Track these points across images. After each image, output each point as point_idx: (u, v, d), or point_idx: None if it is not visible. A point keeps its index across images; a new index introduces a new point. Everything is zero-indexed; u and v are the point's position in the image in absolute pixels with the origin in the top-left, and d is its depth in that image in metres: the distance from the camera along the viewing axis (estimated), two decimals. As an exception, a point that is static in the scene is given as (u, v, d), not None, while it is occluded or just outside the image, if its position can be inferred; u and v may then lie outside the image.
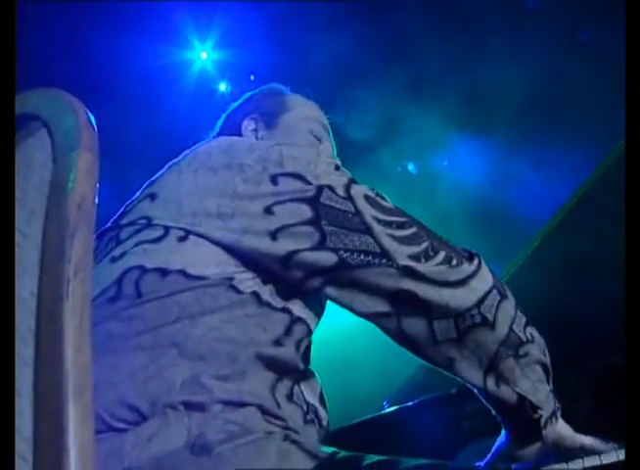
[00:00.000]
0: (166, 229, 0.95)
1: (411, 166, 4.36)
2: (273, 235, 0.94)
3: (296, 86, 1.43)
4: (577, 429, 1.07)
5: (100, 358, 0.85)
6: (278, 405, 0.89)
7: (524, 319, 1.01)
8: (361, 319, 1.00)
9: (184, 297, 0.90)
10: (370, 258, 0.93)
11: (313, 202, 0.95)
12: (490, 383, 0.99)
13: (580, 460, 1.03)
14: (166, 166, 1.05)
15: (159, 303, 0.89)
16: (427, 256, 0.95)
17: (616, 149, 1.98)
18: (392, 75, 4.05)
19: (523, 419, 1.01)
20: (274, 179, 0.96)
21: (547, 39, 3.80)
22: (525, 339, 0.99)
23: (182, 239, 0.94)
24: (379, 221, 0.95)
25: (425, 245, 0.96)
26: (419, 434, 1.47)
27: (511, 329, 0.98)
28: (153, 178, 1.05)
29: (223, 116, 1.38)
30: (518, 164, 4.14)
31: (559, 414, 1.04)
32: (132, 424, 0.82)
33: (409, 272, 0.94)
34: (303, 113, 1.33)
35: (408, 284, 0.94)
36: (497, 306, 0.97)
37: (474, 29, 3.92)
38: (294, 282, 0.96)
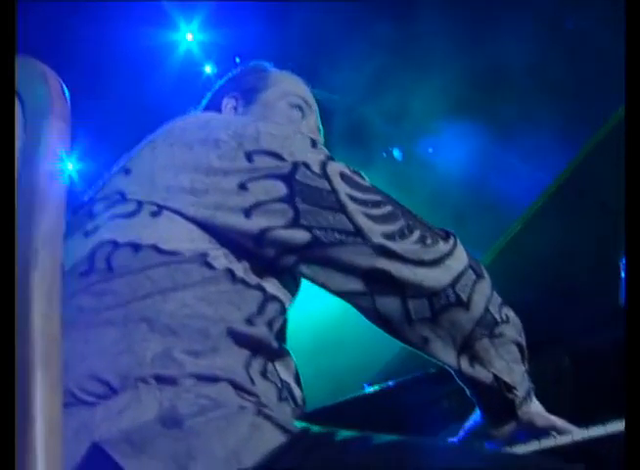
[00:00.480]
0: (140, 204, 0.94)
1: (396, 152, 4.35)
2: (247, 212, 0.93)
3: (281, 65, 1.41)
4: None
5: (71, 333, 0.84)
6: (252, 381, 0.89)
7: (499, 300, 1.01)
8: (341, 304, 0.99)
9: (156, 272, 0.89)
10: (344, 236, 0.93)
11: (288, 179, 0.94)
12: (465, 363, 0.99)
13: (553, 438, 1.04)
14: (143, 141, 1.04)
15: (130, 277, 0.89)
16: (402, 234, 0.95)
17: (597, 134, 1.98)
18: (379, 59, 4.04)
19: (497, 399, 1.01)
20: (249, 156, 0.95)
21: (538, 25, 3.80)
22: (500, 319, 0.99)
23: (155, 214, 0.93)
24: (354, 200, 0.94)
25: (400, 224, 0.95)
26: (400, 414, 1.48)
27: (486, 309, 0.98)
28: (128, 153, 1.04)
29: (208, 95, 1.37)
30: (505, 152, 4.14)
31: (533, 394, 1.04)
32: (102, 398, 0.82)
33: (383, 251, 0.93)
34: (285, 88, 1.31)
35: (382, 263, 0.94)
36: (472, 286, 0.97)
37: (463, 14, 3.91)
38: (267, 260, 0.95)
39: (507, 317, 1.01)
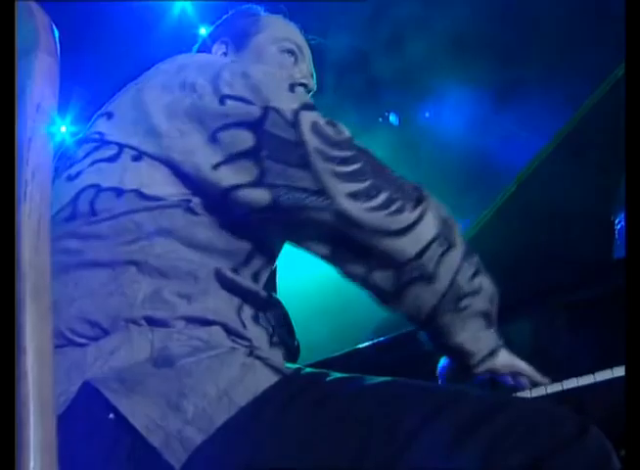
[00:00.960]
0: (120, 148, 0.94)
1: (392, 117, 4.32)
2: (214, 166, 0.91)
3: (272, 10, 1.38)
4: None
5: (59, 275, 0.85)
6: (244, 326, 0.89)
7: (471, 269, 0.97)
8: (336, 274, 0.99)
9: (140, 216, 0.89)
10: (305, 195, 0.89)
11: (256, 127, 0.91)
12: (429, 334, 1.00)
13: (544, 388, 1.06)
14: (126, 86, 1.03)
15: (114, 221, 0.88)
16: (368, 195, 0.90)
17: (593, 96, 1.97)
18: (377, 24, 3.99)
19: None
20: (222, 100, 0.93)
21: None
22: (468, 291, 0.96)
23: (136, 158, 0.93)
24: (321, 154, 0.90)
25: (367, 183, 0.90)
26: (392, 369, 1.49)
27: (453, 281, 0.95)
28: (112, 98, 1.04)
29: (199, 41, 1.35)
30: (502, 116, 4.12)
31: (499, 350, 1.03)
32: (93, 339, 0.83)
33: (345, 217, 0.90)
34: (277, 32, 1.28)
35: (344, 229, 0.91)
36: (440, 258, 0.94)
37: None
38: (237, 216, 0.93)
39: (479, 287, 0.98)
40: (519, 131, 3.98)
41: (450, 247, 0.95)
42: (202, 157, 0.91)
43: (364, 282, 0.96)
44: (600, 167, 1.87)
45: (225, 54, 1.26)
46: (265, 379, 0.81)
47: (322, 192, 0.89)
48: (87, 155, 0.96)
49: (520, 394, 1.10)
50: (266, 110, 0.91)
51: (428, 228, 0.93)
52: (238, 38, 1.27)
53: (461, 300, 0.96)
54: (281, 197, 0.89)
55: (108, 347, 0.81)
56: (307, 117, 0.92)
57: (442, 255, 0.94)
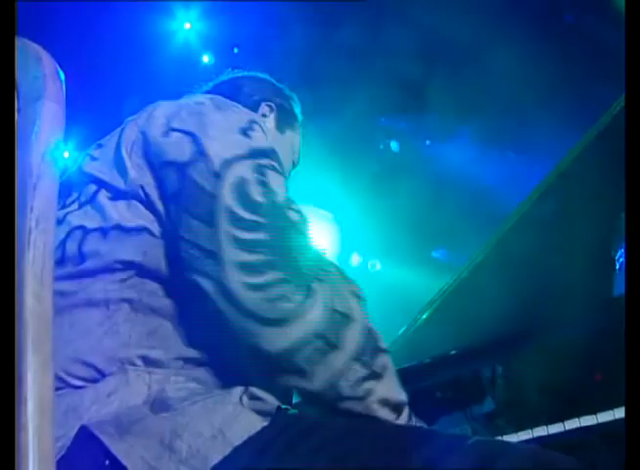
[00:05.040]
0: (98, 186, 0.95)
1: (393, 144, 4.35)
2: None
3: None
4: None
5: (56, 318, 0.84)
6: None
7: (358, 373, 0.86)
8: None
9: (127, 253, 0.89)
10: (198, 254, 0.84)
11: (183, 170, 0.88)
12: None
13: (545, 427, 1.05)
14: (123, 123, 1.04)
15: (101, 262, 0.89)
16: (256, 270, 0.82)
17: (593, 128, 1.98)
18: (377, 54, 4.03)
19: None
20: (167, 132, 0.93)
21: (535, 22, 3.79)
22: (350, 395, 0.86)
23: (112, 196, 0.93)
24: (230, 214, 0.84)
25: (262, 257, 0.82)
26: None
27: (330, 384, 0.85)
28: (98, 142, 1.05)
29: (228, 73, 1.38)
30: (502, 146, 4.15)
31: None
32: (89, 381, 0.82)
33: (223, 290, 0.83)
34: (297, 140, 1.36)
35: (223, 304, 0.83)
36: (319, 358, 0.84)
37: (458, 11, 3.91)
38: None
39: (365, 394, 0.87)
40: (518, 160, 4.00)
41: (333, 348, 0.84)
42: (150, 192, 0.92)
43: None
44: (600, 200, 1.88)
45: (265, 116, 1.29)
46: (261, 420, 0.81)
47: (215, 255, 0.83)
48: (76, 199, 0.97)
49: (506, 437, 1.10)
50: (198, 154, 0.88)
51: (309, 322, 0.83)
52: (280, 116, 1.32)
53: (341, 401, 0.86)
54: (182, 251, 0.86)
55: (105, 390, 0.81)
56: (237, 170, 0.87)
57: (322, 356, 0.84)
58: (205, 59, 3.97)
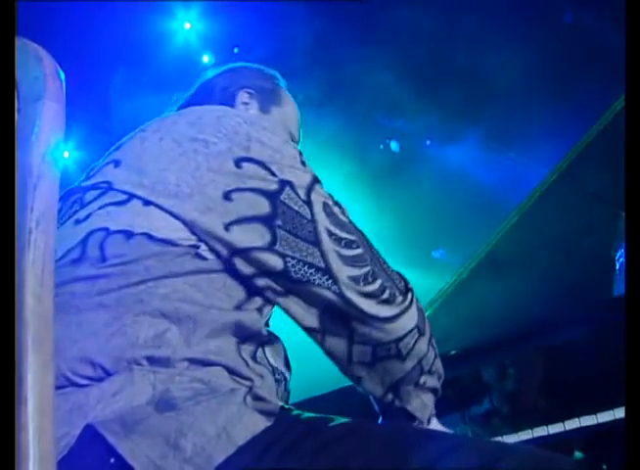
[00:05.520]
0: (130, 195, 0.94)
1: (394, 144, 4.35)
2: (227, 225, 0.92)
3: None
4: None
5: (63, 317, 0.85)
6: (246, 364, 0.89)
7: (432, 355, 1.08)
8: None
9: (150, 261, 0.89)
10: (312, 271, 0.94)
11: (273, 197, 0.93)
12: (388, 398, 1.07)
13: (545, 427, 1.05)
14: (134, 132, 1.04)
15: (123, 267, 0.88)
16: (365, 280, 0.97)
17: (592, 129, 1.99)
18: (379, 54, 4.03)
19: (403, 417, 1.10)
20: (237, 163, 0.94)
21: (537, 22, 3.79)
22: (427, 371, 1.08)
23: (146, 204, 0.93)
24: (330, 235, 0.96)
25: (366, 269, 0.97)
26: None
27: (418, 363, 1.05)
28: (119, 143, 1.04)
29: (201, 78, 1.35)
30: (503, 146, 4.15)
31: (433, 418, 1.13)
32: (95, 380, 0.82)
33: (345, 300, 0.96)
34: (290, 114, 1.33)
35: (341, 309, 0.97)
36: (413, 345, 1.03)
37: (460, 12, 3.91)
38: (241, 274, 0.94)
39: (435, 370, 1.09)
40: (519, 160, 4.00)
41: (421, 335, 1.04)
42: (214, 215, 0.92)
43: (340, 353, 1.02)
44: (600, 200, 1.88)
45: (247, 104, 1.27)
46: (265, 419, 0.81)
47: (327, 271, 0.95)
48: (96, 199, 0.96)
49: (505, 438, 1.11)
50: (282, 183, 0.95)
51: (410, 319, 1.02)
52: (262, 98, 1.29)
53: (420, 377, 1.07)
54: (293, 266, 0.94)
55: (110, 389, 0.81)
56: (319, 196, 0.98)
57: (416, 342, 1.03)
58: (206, 59, 3.98)
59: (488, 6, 3.82)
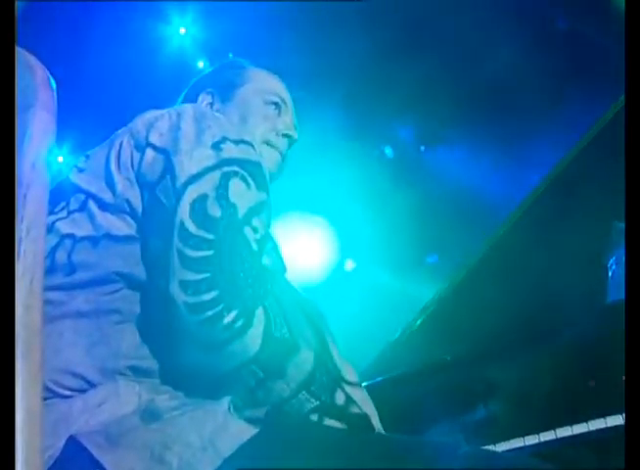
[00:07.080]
0: (86, 196, 0.95)
1: (388, 150, 4.36)
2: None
3: (274, 66, 1.40)
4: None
5: (44, 327, 0.84)
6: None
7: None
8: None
9: (117, 265, 0.89)
10: (150, 268, 0.88)
11: (152, 187, 0.91)
12: None
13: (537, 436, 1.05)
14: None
15: (92, 273, 0.88)
16: (197, 290, 0.81)
17: (587, 134, 1.99)
18: (372, 60, 4.03)
19: None
20: (144, 149, 0.94)
21: (532, 25, 3.80)
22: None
23: (101, 206, 0.93)
24: (182, 230, 0.84)
25: (203, 276, 0.82)
26: (387, 409, 1.48)
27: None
28: (86, 153, 1.05)
29: (185, 90, 1.36)
30: (497, 152, 4.15)
31: None
32: (78, 391, 0.82)
33: (170, 303, 0.83)
34: (262, 84, 1.29)
35: (169, 319, 0.84)
36: (260, 383, 0.85)
37: (456, 17, 3.92)
38: None
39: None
40: (513, 165, 4.01)
41: (276, 374, 0.85)
42: (136, 207, 0.93)
43: None
44: (594, 207, 1.88)
45: (211, 104, 1.27)
46: (251, 429, 0.81)
47: (165, 273, 0.84)
48: (63, 207, 0.97)
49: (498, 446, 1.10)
50: (165, 170, 0.89)
51: (244, 348, 0.83)
52: (223, 89, 1.28)
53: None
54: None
55: (94, 400, 0.80)
56: (200, 188, 0.86)
57: (264, 380, 0.85)
58: (201, 64, 3.97)
59: (482, 8, 3.83)
